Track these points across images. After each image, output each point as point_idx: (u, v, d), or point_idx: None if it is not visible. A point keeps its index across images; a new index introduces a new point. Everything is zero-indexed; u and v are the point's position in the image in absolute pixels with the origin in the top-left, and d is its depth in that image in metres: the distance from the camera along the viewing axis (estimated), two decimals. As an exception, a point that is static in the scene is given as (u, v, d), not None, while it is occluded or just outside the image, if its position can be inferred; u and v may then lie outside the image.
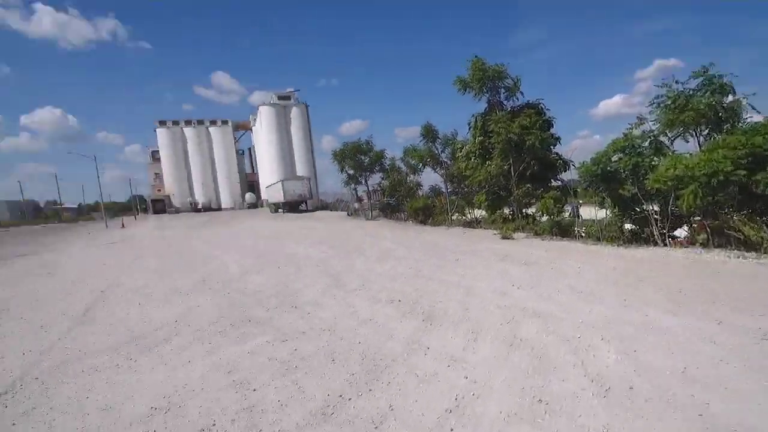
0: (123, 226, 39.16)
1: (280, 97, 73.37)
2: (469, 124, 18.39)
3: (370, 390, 4.07)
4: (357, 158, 28.48)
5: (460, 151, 19.02)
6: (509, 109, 17.23)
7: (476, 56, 17.01)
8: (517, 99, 17.16)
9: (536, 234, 13.51)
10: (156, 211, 78.06)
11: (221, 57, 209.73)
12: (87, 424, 3.79)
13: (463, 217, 19.68)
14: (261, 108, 73.25)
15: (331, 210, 45.78)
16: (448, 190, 21.14)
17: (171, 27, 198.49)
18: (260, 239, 18.95)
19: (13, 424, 3.94)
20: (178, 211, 76.73)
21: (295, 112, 72.43)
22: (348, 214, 33.88)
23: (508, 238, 13.35)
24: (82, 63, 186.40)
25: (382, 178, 28.05)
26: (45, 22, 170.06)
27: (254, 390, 4.18)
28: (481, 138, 17.34)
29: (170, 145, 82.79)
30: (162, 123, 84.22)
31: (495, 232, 14.74)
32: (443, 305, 6.58)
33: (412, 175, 24.57)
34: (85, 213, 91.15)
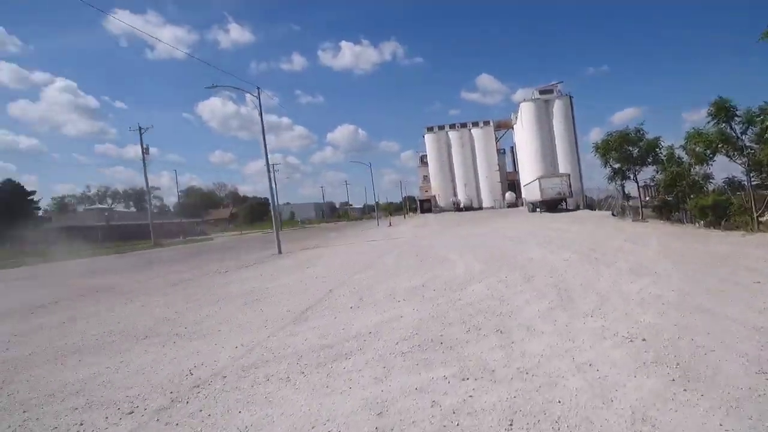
0: (390, 224, 43.51)
1: (541, 92, 70.11)
2: (787, 91, 13.20)
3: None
4: (623, 150, 24.32)
5: (772, 130, 13.94)
6: None
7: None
8: None
9: None
10: (423, 211, 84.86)
11: (486, 60, 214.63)
12: (221, 447, 3.51)
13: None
14: (522, 105, 71.56)
15: (595, 209, 41.12)
16: (753, 183, 15.87)
17: (441, 40, 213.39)
18: (503, 240, 17.83)
19: (177, 424, 3.97)
20: (442, 210, 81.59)
21: (557, 106, 68.12)
22: (612, 214, 29.58)
23: None
24: (370, 83, 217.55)
25: (656, 171, 23.29)
26: (346, 55, 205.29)
27: (393, 449, 3.22)
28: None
29: (436, 149, 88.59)
30: (429, 129, 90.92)
31: (831, 242, 10.13)
32: (715, 358, 4.32)
33: (697, 166, 19.46)
34: (366, 212, 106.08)
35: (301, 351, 5.75)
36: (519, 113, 73.60)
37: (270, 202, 26.46)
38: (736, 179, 17.21)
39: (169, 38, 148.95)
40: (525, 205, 60.76)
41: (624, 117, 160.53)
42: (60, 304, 11.48)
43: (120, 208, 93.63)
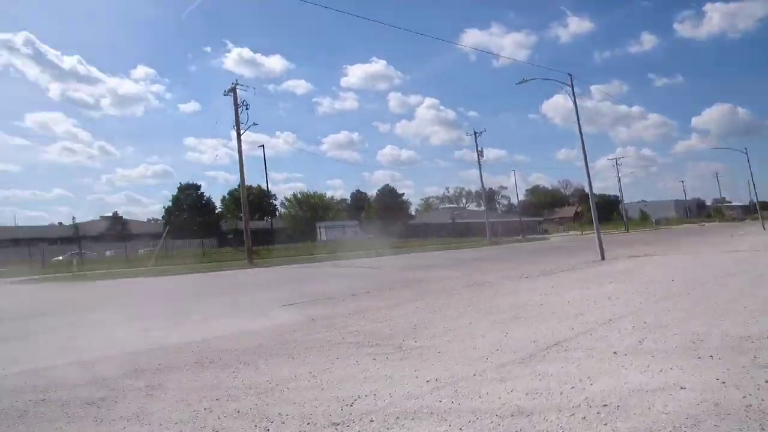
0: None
1: None
2: None
3: None
4: None
5: None
6: None
7: None
8: None
9: None
10: None
11: None
12: None
13: None
14: None
15: None
16: None
17: None
18: None
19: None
20: None
21: None
22: None
23: None
24: (752, 47, 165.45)
25: None
26: (713, 20, 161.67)
27: None
28: None
29: None
30: None
31: None
32: None
33: None
34: (752, 212, 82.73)
35: (478, 413, 4.03)
36: None
37: (590, 201, 23.47)
38: None
39: (510, 45, 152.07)
40: None
41: None
42: (367, 294, 12.49)
43: (473, 206, 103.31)
